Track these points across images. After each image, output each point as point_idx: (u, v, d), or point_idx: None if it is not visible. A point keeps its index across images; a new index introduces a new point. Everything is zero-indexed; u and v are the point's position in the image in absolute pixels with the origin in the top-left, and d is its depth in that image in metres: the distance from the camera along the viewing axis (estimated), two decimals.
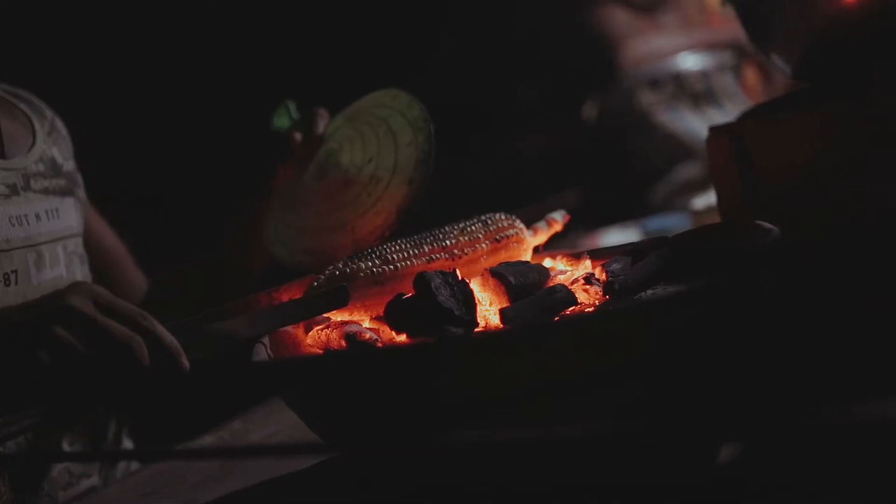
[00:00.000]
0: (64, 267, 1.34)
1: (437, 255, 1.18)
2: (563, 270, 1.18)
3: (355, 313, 1.16)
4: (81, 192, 1.44)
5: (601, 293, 1.09)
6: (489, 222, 1.23)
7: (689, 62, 2.67)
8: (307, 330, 1.18)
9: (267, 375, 1.03)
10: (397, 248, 1.17)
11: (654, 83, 2.64)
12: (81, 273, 1.38)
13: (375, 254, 1.16)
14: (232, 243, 1.53)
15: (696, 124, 2.56)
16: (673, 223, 2.19)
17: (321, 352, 1.15)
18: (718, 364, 0.97)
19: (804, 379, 1.03)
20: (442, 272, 1.09)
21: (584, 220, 2.56)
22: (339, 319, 1.15)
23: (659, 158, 2.62)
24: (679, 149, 2.60)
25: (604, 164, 2.76)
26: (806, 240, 1.18)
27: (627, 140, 2.68)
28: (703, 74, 2.65)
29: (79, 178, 1.45)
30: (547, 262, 1.26)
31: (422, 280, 1.08)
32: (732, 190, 1.27)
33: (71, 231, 1.37)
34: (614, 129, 2.69)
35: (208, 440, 1.47)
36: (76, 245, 1.38)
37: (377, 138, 1.38)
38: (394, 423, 0.92)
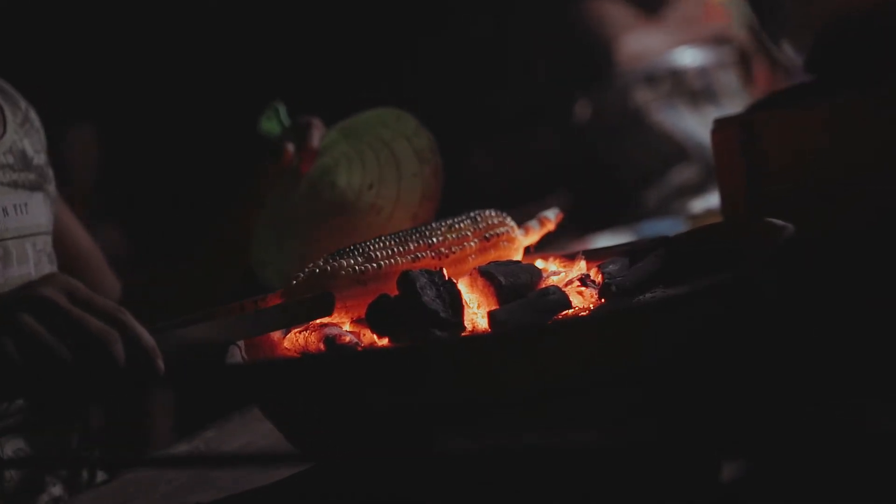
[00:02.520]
0: (33, 265, 1.27)
1: (423, 254, 1.11)
2: (557, 272, 1.11)
3: (335, 315, 1.09)
4: (52, 188, 1.37)
5: (597, 295, 1.03)
6: (478, 219, 1.16)
7: (688, 58, 2.59)
8: (285, 332, 1.11)
9: (239, 379, 0.96)
10: (381, 245, 1.10)
11: (650, 80, 2.56)
12: (50, 272, 1.30)
13: (358, 251, 1.10)
14: (210, 250, 1.47)
15: (693, 124, 2.48)
16: (667, 228, 2.12)
17: (298, 355, 1.08)
18: (721, 370, 0.91)
19: (809, 384, 0.97)
20: (428, 271, 1.02)
21: (574, 225, 2.49)
22: (317, 322, 1.08)
23: (653, 160, 2.54)
24: (675, 150, 2.52)
25: (596, 165, 2.68)
26: (814, 238, 1.11)
27: (621, 141, 2.60)
28: (703, 71, 2.57)
29: (49, 173, 1.38)
30: (539, 263, 1.19)
31: (406, 279, 1.01)
32: (738, 185, 1.20)
33: (40, 228, 1.30)
34: (608, 129, 2.62)
35: (181, 449, 1.41)
36: (45, 243, 1.30)
37: (378, 163, 1.31)
38: (373, 431, 0.86)
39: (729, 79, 2.60)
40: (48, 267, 1.30)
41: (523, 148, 2.93)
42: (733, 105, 2.46)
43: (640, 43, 2.62)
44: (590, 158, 2.69)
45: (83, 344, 0.93)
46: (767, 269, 0.89)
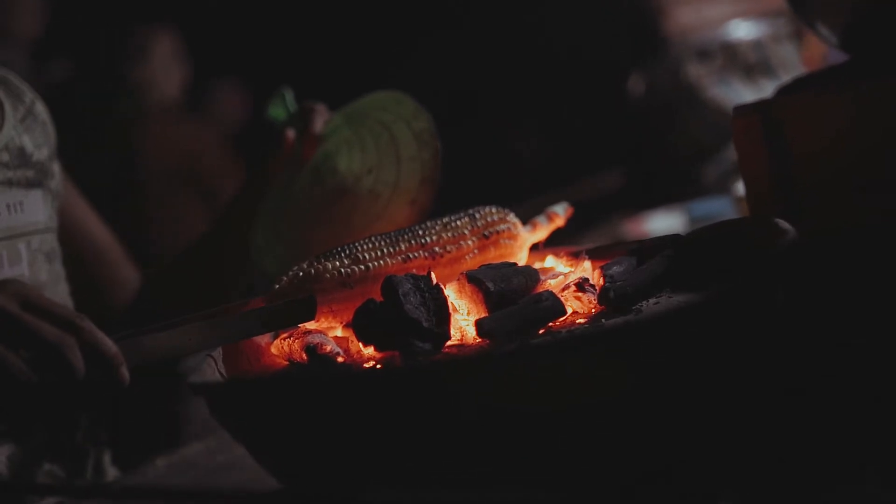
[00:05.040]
0: (27, 265, 1.23)
1: (416, 254, 1.04)
2: (556, 274, 1.03)
3: (322, 320, 1.03)
4: (54, 183, 1.32)
5: (595, 301, 0.95)
6: (477, 216, 1.09)
7: (742, 31, 2.47)
8: (273, 337, 1.06)
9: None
10: (370, 245, 1.04)
11: (703, 54, 2.45)
12: (48, 272, 1.26)
13: (345, 252, 1.03)
14: (215, 242, 1.43)
15: (749, 98, 2.36)
16: (719, 208, 2.03)
17: (285, 363, 1.03)
18: (717, 391, 0.83)
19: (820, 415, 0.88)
20: (413, 276, 0.95)
21: (628, 204, 2.41)
22: (303, 328, 1.02)
23: (709, 136, 2.43)
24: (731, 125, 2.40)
25: (650, 142, 2.58)
26: (838, 239, 1.01)
27: (675, 116, 2.49)
28: (757, 44, 2.45)
29: (53, 167, 1.33)
30: (549, 262, 1.11)
31: (389, 285, 0.94)
32: (761, 175, 1.11)
33: (37, 226, 1.26)
34: (661, 105, 2.51)
35: (196, 448, 1.37)
36: (42, 242, 1.26)
37: (377, 147, 1.26)
38: (329, 460, 0.80)
39: (786, 51, 2.46)
40: (45, 266, 1.26)
41: (568, 126, 2.83)
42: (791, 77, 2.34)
43: (693, 15, 2.51)
44: (644, 135, 2.59)
45: (38, 352, 0.89)
46: (766, 278, 0.81)
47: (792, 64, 2.44)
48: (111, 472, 1.37)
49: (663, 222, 2.21)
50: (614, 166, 2.71)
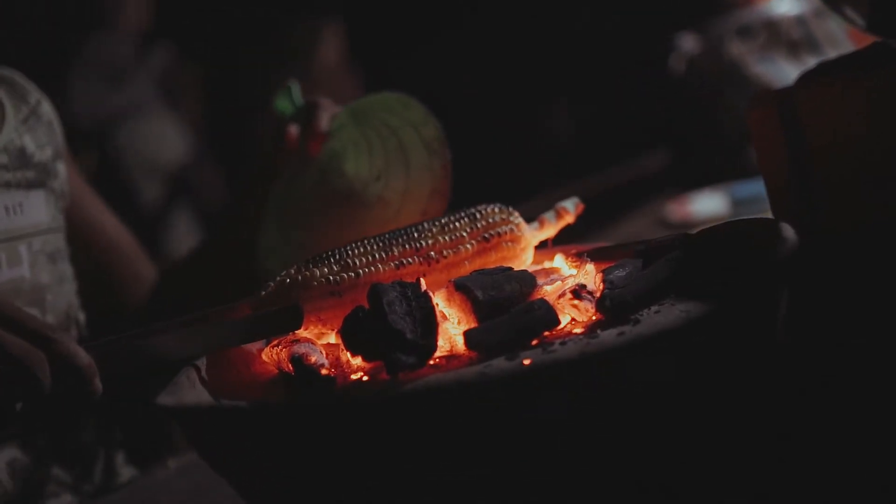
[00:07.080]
0: (27, 267, 1.21)
1: (410, 260, 1.00)
2: (558, 278, 0.97)
3: (311, 328, 0.99)
4: (58, 184, 1.30)
5: (593, 309, 0.89)
6: (478, 217, 1.03)
7: (784, 6, 2.38)
8: (265, 344, 1.02)
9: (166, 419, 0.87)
10: (361, 251, 0.99)
11: (745, 31, 2.35)
12: (50, 273, 1.25)
13: (334, 258, 0.99)
14: (223, 241, 1.40)
15: (795, 75, 2.25)
16: (762, 190, 1.94)
17: (276, 370, 0.99)
18: (716, 400, 0.78)
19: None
20: (401, 283, 0.91)
21: (671, 185, 2.33)
22: (291, 336, 0.98)
23: None
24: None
25: (693, 121, 2.49)
26: (850, 236, 0.95)
27: (718, 95, 2.40)
28: (800, 20, 2.35)
29: (58, 167, 1.31)
30: (557, 261, 1.06)
31: (374, 294, 0.90)
32: (779, 172, 1.04)
33: (38, 227, 1.24)
34: (703, 83, 2.42)
35: None
36: (44, 243, 1.24)
37: (385, 152, 1.22)
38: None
39: (832, 26, 2.35)
40: (47, 267, 1.24)
41: (609, 106, 2.75)
42: (838, 53, 2.23)
43: None
44: (687, 114, 2.50)
45: (4, 367, 0.86)
46: (767, 289, 0.75)
47: (838, 39, 2.33)
48: (126, 473, 1.36)
49: (707, 203, 2.14)
50: (657, 146, 2.64)
